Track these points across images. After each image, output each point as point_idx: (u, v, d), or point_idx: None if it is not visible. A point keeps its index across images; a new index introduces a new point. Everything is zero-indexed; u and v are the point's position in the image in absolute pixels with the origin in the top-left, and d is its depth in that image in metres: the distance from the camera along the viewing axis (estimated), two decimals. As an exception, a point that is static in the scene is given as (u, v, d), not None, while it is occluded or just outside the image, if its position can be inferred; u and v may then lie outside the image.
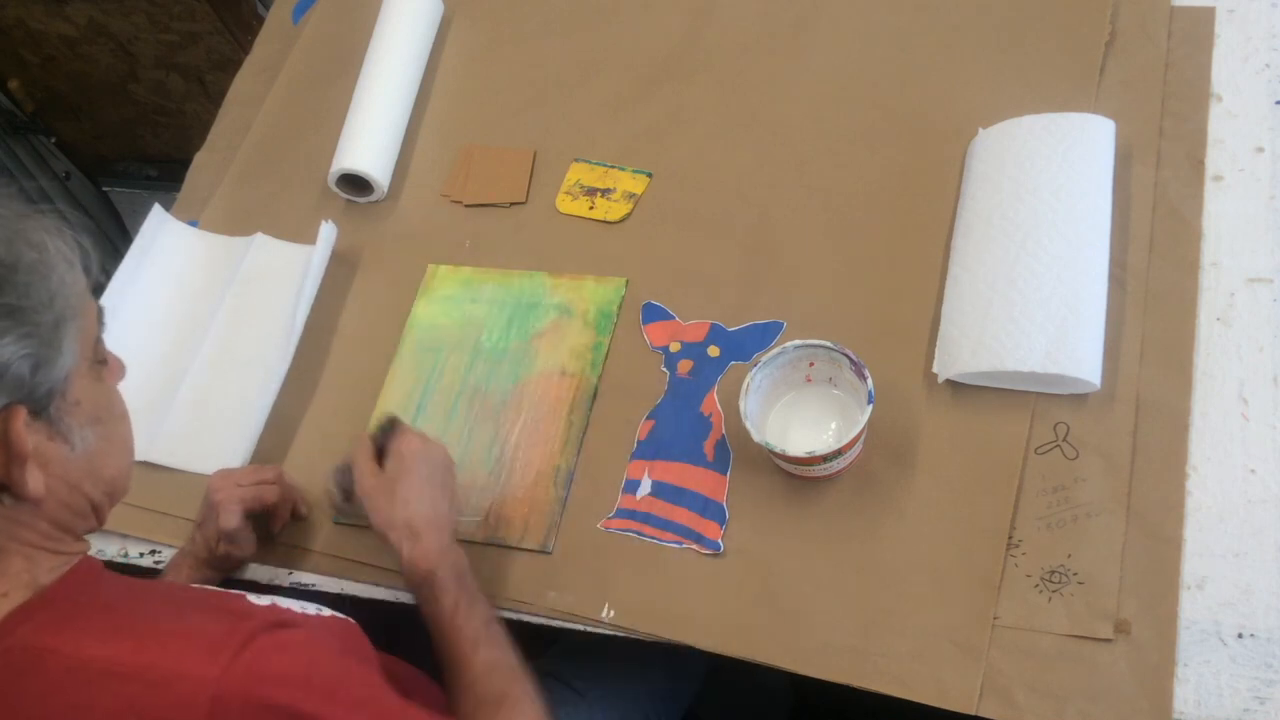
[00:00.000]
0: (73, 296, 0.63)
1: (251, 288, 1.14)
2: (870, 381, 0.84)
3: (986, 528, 0.84)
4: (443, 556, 0.84)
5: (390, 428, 0.90)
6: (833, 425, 0.90)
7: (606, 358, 1.01)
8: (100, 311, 0.69)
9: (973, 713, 0.77)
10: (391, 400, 1.04)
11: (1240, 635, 0.77)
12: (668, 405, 0.97)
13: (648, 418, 0.97)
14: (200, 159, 1.30)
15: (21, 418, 0.60)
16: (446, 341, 1.07)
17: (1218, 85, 0.99)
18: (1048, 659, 0.78)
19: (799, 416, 0.91)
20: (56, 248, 0.63)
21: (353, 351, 1.09)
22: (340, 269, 1.14)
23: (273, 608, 0.71)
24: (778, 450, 0.84)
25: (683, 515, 0.91)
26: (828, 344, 0.87)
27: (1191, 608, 0.78)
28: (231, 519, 0.91)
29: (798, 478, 0.90)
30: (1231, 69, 0.99)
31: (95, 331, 0.68)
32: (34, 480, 0.61)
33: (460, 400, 1.03)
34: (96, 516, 0.70)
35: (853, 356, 0.86)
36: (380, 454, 0.89)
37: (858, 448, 0.87)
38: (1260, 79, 0.98)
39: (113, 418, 0.70)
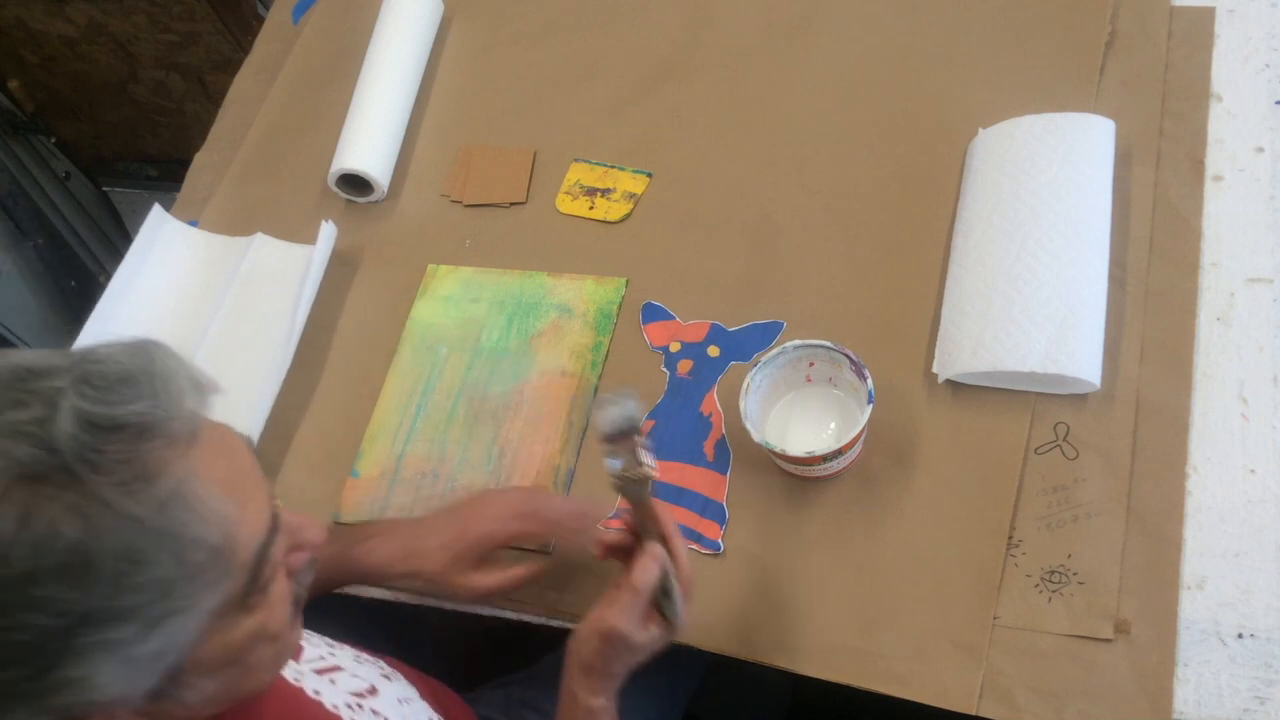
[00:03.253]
0: (216, 567, 0.48)
1: (251, 288, 1.14)
2: (870, 381, 0.84)
3: (986, 528, 0.84)
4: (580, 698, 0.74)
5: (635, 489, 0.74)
6: (832, 425, 0.90)
7: (606, 358, 1.01)
8: (276, 519, 0.53)
9: (973, 713, 0.77)
10: (391, 400, 1.04)
11: (1240, 635, 0.77)
12: (668, 405, 0.97)
13: (648, 418, 0.97)
14: (200, 159, 1.30)
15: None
16: (446, 341, 1.07)
17: (1218, 85, 0.99)
18: (1048, 659, 0.78)
19: (799, 416, 0.91)
20: (212, 511, 0.47)
21: (353, 351, 1.09)
22: (340, 269, 1.14)
23: None
24: (777, 450, 0.84)
25: (683, 515, 0.91)
26: (827, 344, 0.87)
27: (1191, 608, 0.78)
28: None
29: (798, 478, 0.90)
30: (1231, 69, 0.99)
31: (244, 580, 0.51)
32: None
33: (460, 400, 1.03)
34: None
35: (852, 356, 0.86)
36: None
37: (858, 448, 0.87)
38: (1260, 79, 0.98)
39: (258, 645, 0.53)
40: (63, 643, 0.43)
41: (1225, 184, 0.94)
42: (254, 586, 0.52)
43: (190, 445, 0.48)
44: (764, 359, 0.88)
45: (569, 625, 0.89)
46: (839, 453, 0.84)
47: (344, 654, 0.76)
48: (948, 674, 0.79)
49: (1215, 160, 0.95)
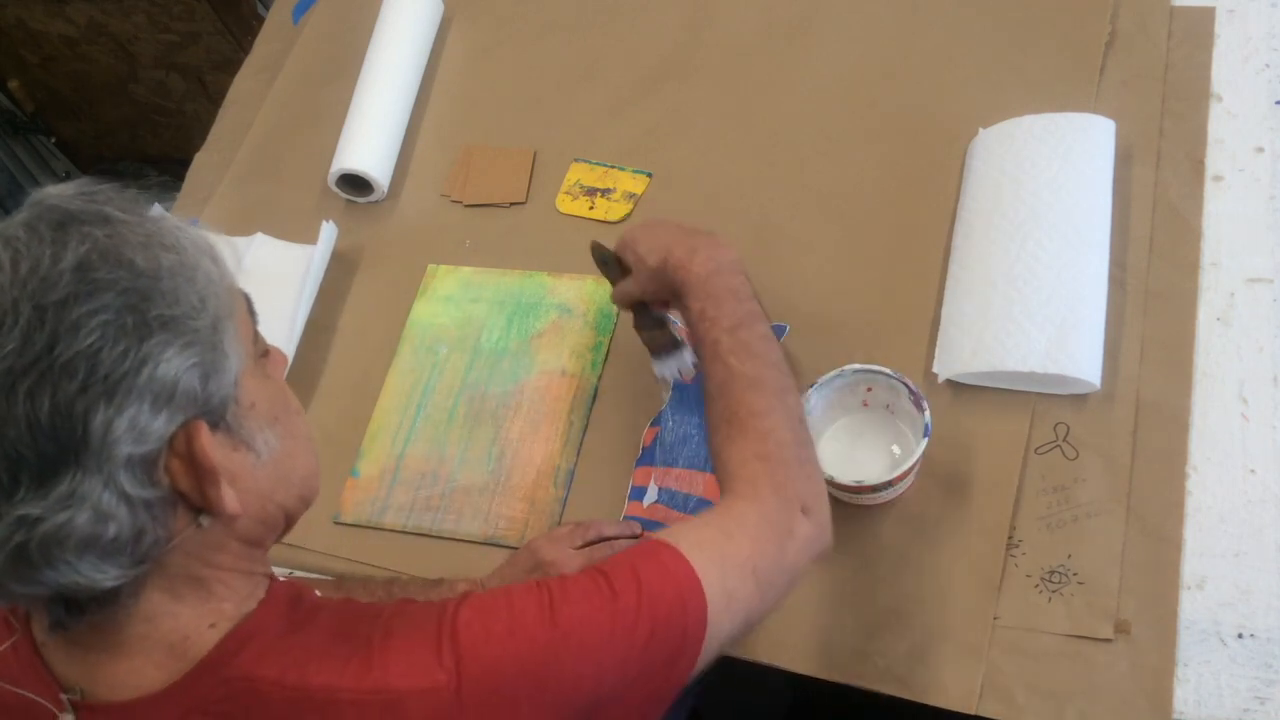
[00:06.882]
0: (222, 293, 0.59)
1: (251, 288, 1.14)
2: (928, 414, 0.81)
3: (986, 528, 0.84)
4: (693, 264, 0.81)
5: (606, 252, 0.92)
6: (893, 451, 0.87)
7: (606, 358, 1.01)
8: (249, 301, 0.65)
9: (973, 712, 0.77)
10: (391, 400, 1.04)
11: (1240, 635, 0.77)
12: (672, 412, 0.96)
13: (652, 424, 0.96)
14: (200, 159, 1.30)
15: (204, 432, 0.55)
16: (446, 341, 1.07)
17: (1218, 85, 0.99)
18: (1048, 659, 0.78)
19: (853, 441, 0.89)
20: (193, 243, 0.59)
21: (353, 351, 1.09)
22: (340, 269, 1.14)
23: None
24: (825, 477, 0.79)
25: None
26: (887, 371, 0.85)
27: (1191, 608, 0.78)
28: None
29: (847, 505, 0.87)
30: (1231, 69, 0.99)
31: (251, 325, 0.63)
32: (229, 497, 0.57)
33: (460, 400, 1.03)
34: (287, 524, 0.65)
35: (911, 386, 0.83)
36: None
37: (910, 479, 0.85)
38: (1260, 79, 0.98)
39: (289, 413, 0.64)
40: (138, 318, 0.53)
41: (1225, 184, 0.94)
42: (257, 334, 0.64)
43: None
44: (821, 380, 0.86)
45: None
46: (889, 484, 0.82)
47: None
48: (948, 674, 0.79)
49: (1215, 160, 0.95)
